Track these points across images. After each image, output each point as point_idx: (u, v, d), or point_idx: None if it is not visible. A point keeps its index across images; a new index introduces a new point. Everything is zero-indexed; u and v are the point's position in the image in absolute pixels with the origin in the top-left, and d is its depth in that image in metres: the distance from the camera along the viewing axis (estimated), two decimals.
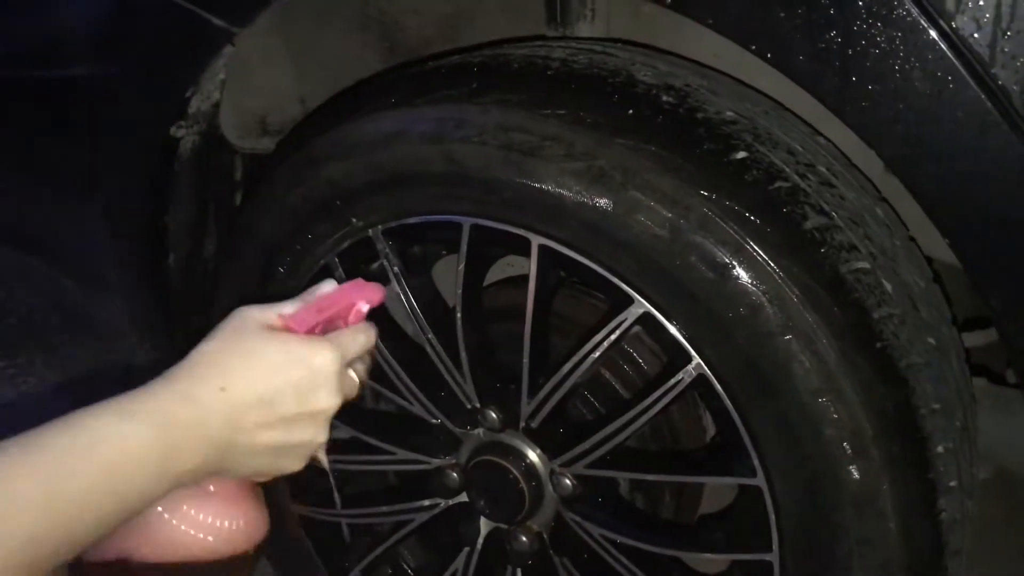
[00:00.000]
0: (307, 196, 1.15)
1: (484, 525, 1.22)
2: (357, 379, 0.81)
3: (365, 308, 0.83)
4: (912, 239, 1.07)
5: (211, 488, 0.83)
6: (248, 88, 1.35)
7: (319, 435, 0.78)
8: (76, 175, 1.42)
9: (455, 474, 1.21)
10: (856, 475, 0.92)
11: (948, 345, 1.01)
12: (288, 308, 0.79)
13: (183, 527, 0.81)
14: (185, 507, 0.82)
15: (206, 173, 1.37)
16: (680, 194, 0.92)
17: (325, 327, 0.81)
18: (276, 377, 0.74)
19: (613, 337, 1.02)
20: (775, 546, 0.99)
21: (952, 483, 0.95)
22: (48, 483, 0.61)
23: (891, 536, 0.93)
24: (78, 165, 1.40)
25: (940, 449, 0.94)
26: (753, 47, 0.85)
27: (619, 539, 1.10)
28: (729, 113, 0.99)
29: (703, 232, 0.91)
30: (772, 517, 0.98)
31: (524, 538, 1.18)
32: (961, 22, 0.75)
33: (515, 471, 1.14)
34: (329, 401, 0.76)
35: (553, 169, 0.97)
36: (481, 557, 1.22)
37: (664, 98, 0.98)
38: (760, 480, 0.97)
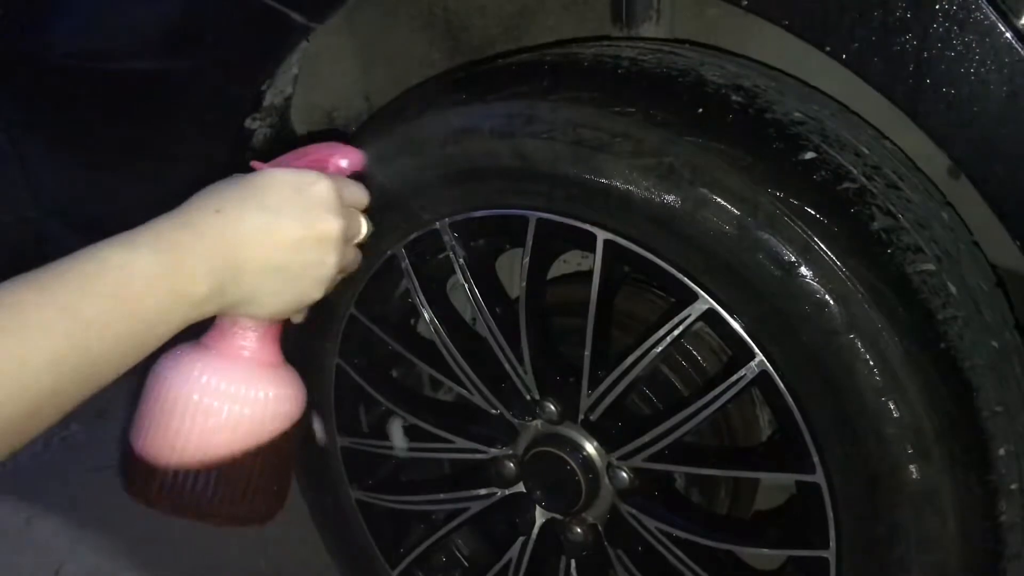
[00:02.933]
0: (378, 189, 1.18)
1: (539, 515, 1.24)
2: (364, 221, 0.84)
3: (344, 163, 0.88)
4: (976, 244, 1.07)
5: (239, 353, 0.83)
6: (316, 83, 1.38)
7: (328, 257, 0.80)
8: (152, 164, 1.46)
9: (512, 464, 1.23)
10: (916, 475, 0.93)
11: (1011, 349, 1.01)
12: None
13: (214, 403, 0.80)
14: (210, 381, 0.81)
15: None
16: (748, 192, 0.94)
17: None
18: (271, 197, 0.76)
19: (676, 333, 1.04)
20: (832, 543, 1.00)
21: (1013, 486, 0.96)
22: (66, 308, 0.63)
23: (950, 537, 0.94)
24: (154, 154, 1.44)
25: (1002, 452, 0.94)
26: (828, 48, 0.87)
27: (674, 532, 1.11)
28: (797, 114, 1.00)
29: (771, 230, 0.93)
30: (830, 514, 0.99)
31: (579, 529, 1.20)
32: None
33: (572, 463, 1.16)
34: (331, 223, 0.79)
35: (622, 165, 0.99)
36: (535, 547, 1.24)
37: (733, 97, 0.99)
38: (819, 477, 0.98)
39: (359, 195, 0.87)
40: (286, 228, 0.76)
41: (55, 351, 0.62)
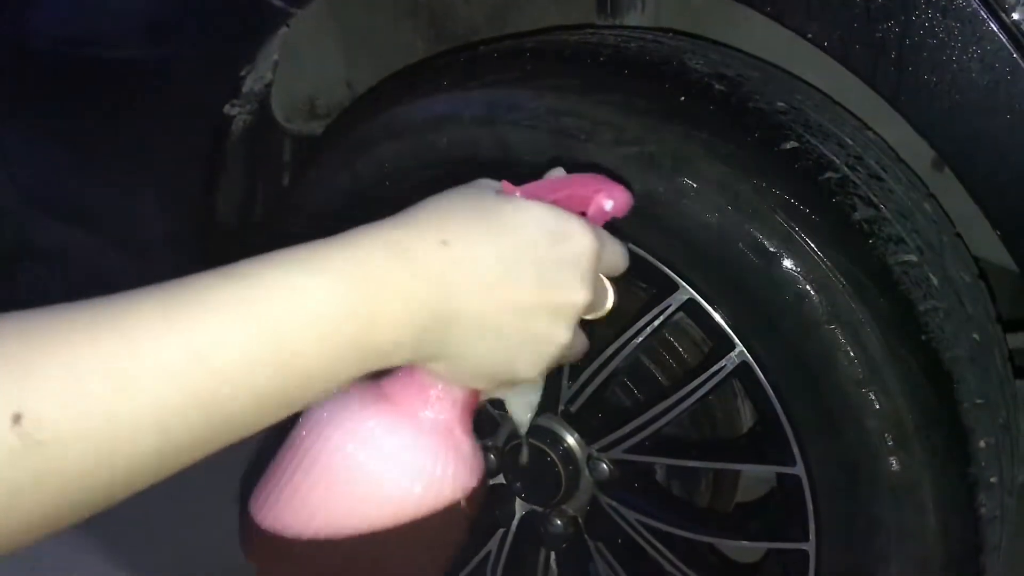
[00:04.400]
0: (355, 177, 1.17)
1: (519, 507, 1.23)
2: (612, 292, 0.64)
3: (608, 206, 0.64)
4: (959, 235, 1.07)
5: (425, 415, 0.62)
6: (298, 70, 1.37)
7: (561, 333, 0.59)
8: (132, 151, 1.45)
9: (492, 456, 1.22)
10: (896, 467, 0.92)
11: (992, 342, 1.01)
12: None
13: (383, 468, 0.59)
14: (383, 438, 0.60)
15: (256, 153, 1.39)
16: (730, 181, 0.93)
17: None
18: (517, 239, 0.57)
19: (656, 323, 1.03)
20: (812, 536, 0.99)
21: (993, 479, 0.95)
22: (196, 352, 0.46)
23: (930, 530, 0.93)
24: (131, 140, 1.43)
25: (982, 444, 0.94)
26: (810, 35, 0.86)
27: (654, 524, 1.11)
28: (780, 103, 0.99)
29: (752, 220, 0.92)
30: (810, 507, 0.98)
31: (559, 521, 1.20)
32: (1021, 14, 0.76)
33: (553, 455, 1.15)
34: (578, 293, 0.58)
35: (603, 154, 0.98)
36: (515, 539, 1.24)
37: (716, 86, 0.98)
38: (799, 469, 0.98)
39: (619, 258, 0.65)
40: (524, 285, 0.57)
41: (167, 406, 0.45)
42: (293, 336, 0.49)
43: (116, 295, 0.47)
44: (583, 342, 0.65)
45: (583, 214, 0.62)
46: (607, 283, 0.63)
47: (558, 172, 0.68)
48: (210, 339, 0.47)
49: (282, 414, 0.51)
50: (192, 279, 0.49)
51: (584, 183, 0.65)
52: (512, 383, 0.63)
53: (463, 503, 0.62)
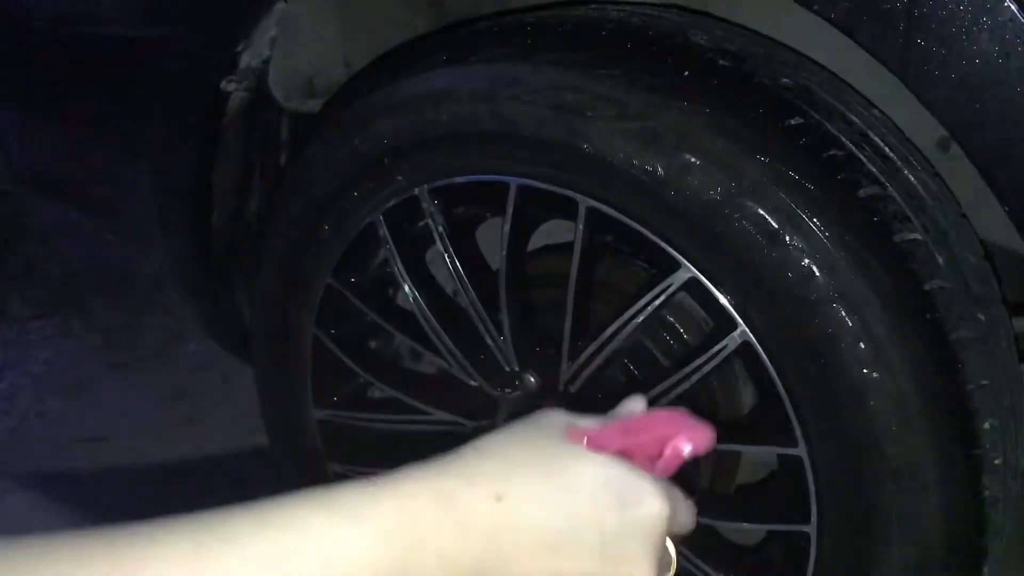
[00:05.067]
0: (355, 152, 1.15)
1: None
2: (673, 559, 0.58)
3: (687, 451, 0.60)
4: (964, 216, 1.05)
5: None
6: (296, 48, 1.35)
7: None
8: (124, 128, 1.43)
9: None
10: (900, 448, 0.91)
11: (998, 323, 1.00)
12: (587, 422, 0.61)
13: None
14: None
15: (253, 131, 1.38)
16: (733, 158, 0.91)
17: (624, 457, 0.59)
18: (579, 500, 0.52)
19: (658, 302, 1.02)
20: (813, 518, 0.98)
21: (997, 461, 0.94)
22: None
23: (932, 512, 0.92)
24: (127, 118, 1.41)
25: (987, 426, 0.93)
26: (815, 7, 0.84)
27: None
28: (785, 80, 0.98)
29: (755, 197, 0.91)
30: (812, 488, 0.97)
31: None
32: None
33: None
34: (642, 568, 0.53)
35: (605, 130, 0.96)
36: None
37: (720, 62, 0.97)
38: (801, 450, 0.96)
39: (688, 520, 0.59)
40: (583, 554, 0.51)
41: None
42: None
43: (146, 525, 0.46)
44: (670, 565, 0.59)
45: (660, 454, 0.58)
46: (671, 548, 0.57)
47: (635, 404, 0.64)
48: None
49: None
50: (227, 519, 0.47)
51: (661, 425, 0.61)
52: None
53: None
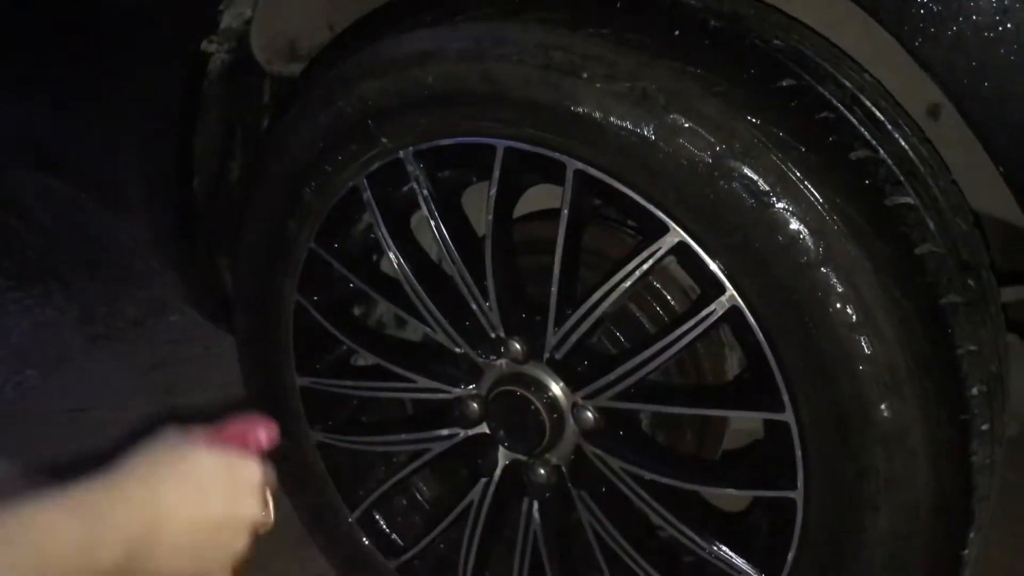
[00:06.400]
0: (339, 115, 1.13)
1: (502, 457, 1.21)
2: (271, 508, 0.83)
3: (263, 438, 0.85)
4: (954, 182, 1.04)
5: None
6: (278, 8, 1.32)
7: (240, 541, 0.79)
8: (103, 91, 1.40)
9: (475, 404, 1.20)
10: (888, 413, 0.91)
11: (987, 289, 0.99)
12: (194, 432, 0.82)
13: None
14: None
15: (234, 94, 1.35)
16: (725, 119, 0.90)
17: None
18: (202, 476, 0.76)
19: (646, 267, 1.01)
20: (800, 484, 0.97)
21: (984, 427, 0.94)
22: None
23: (920, 477, 0.92)
24: (105, 81, 1.38)
25: (975, 391, 0.92)
26: None
27: (639, 473, 1.09)
28: (777, 41, 0.96)
29: (746, 158, 0.90)
30: (798, 454, 0.96)
31: (542, 471, 1.18)
32: None
33: (537, 402, 1.13)
34: (253, 508, 0.78)
35: (594, 90, 0.95)
36: (498, 489, 1.22)
37: (711, 22, 0.95)
38: (788, 416, 0.96)
39: (271, 478, 0.85)
40: (211, 510, 0.76)
41: None
42: (49, 556, 0.67)
43: None
44: (268, 513, 0.83)
45: (245, 444, 0.82)
46: (269, 500, 0.82)
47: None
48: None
49: None
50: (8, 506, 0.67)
51: (239, 427, 0.84)
52: None
53: None
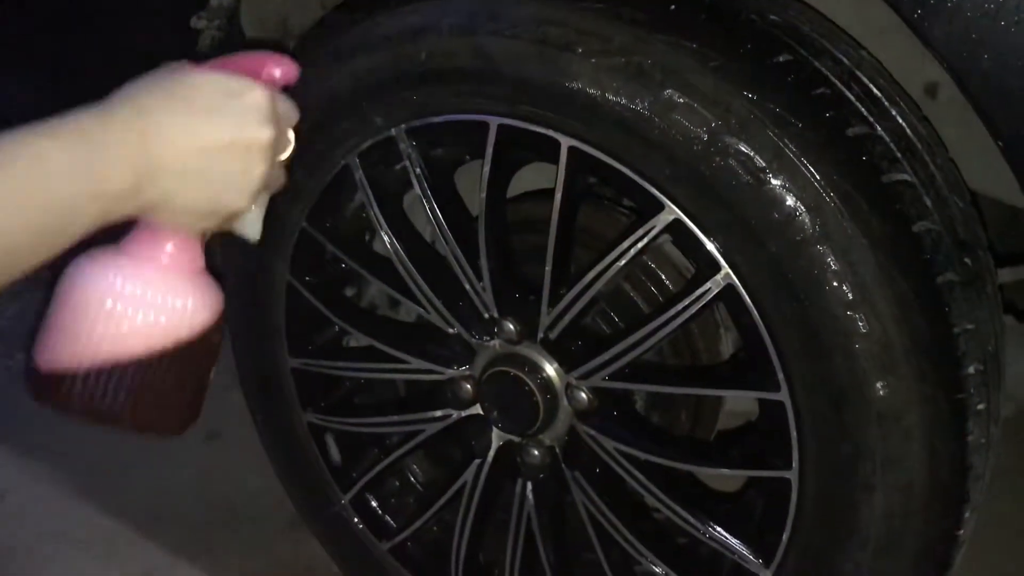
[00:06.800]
0: (330, 92, 1.12)
1: (496, 438, 1.20)
2: (291, 135, 0.81)
3: (277, 73, 0.81)
4: (952, 160, 1.04)
5: (157, 260, 0.79)
6: None
7: (255, 167, 0.75)
8: (92, 68, 1.39)
9: (468, 385, 1.19)
10: (884, 392, 0.90)
11: (984, 268, 0.99)
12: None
13: (127, 308, 0.76)
14: (125, 286, 0.77)
15: None
16: (721, 94, 0.89)
17: None
18: (201, 99, 0.72)
19: (640, 245, 1.00)
20: (795, 463, 0.97)
21: (981, 406, 0.93)
22: None
23: (916, 456, 0.91)
24: (94, 56, 1.37)
25: (971, 370, 0.92)
26: None
27: (633, 453, 1.08)
28: (773, 16, 0.95)
29: (743, 134, 0.88)
30: (794, 433, 0.96)
31: (536, 452, 1.17)
32: None
33: (530, 383, 1.12)
34: (263, 132, 0.74)
35: (588, 66, 0.94)
36: (491, 470, 1.21)
37: None
38: (784, 395, 0.95)
39: (291, 110, 0.81)
40: (214, 132, 0.72)
41: None
42: (44, 182, 0.62)
43: None
44: (281, 174, 0.82)
45: (257, 79, 0.77)
46: (290, 132, 0.80)
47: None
48: None
49: (53, 246, 0.64)
50: None
51: (253, 59, 0.81)
52: (227, 217, 0.78)
53: (205, 327, 0.79)
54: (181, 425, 0.85)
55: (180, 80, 0.73)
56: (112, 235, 0.75)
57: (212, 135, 0.72)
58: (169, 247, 0.79)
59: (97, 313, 0.76)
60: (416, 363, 1.21)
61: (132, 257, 0.78)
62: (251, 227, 0.84)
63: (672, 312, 0.99)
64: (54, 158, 0.63)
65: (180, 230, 0.79)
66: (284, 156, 0.81)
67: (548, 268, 1.06)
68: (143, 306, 0.77)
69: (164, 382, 0.79)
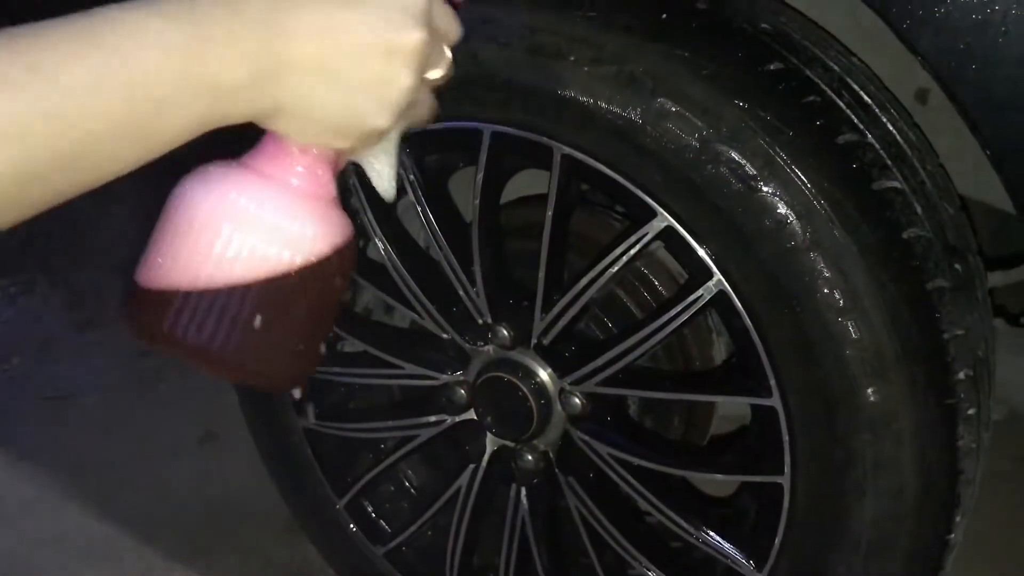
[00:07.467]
0: None
1: (490, 443, 1.21)
2: (448, 53, 0.67)
3: None
4: (942, 166, 1.04)
5: (285, 180, 0.66)
6: None
7: (402, 76, 0.61)
8: None
9: (463, 391, 1.20)
10: (875, 398, 0.91)
11: (973, 273, 0.99)
12: None
13: (246, 232, 0.64)
14: (247, 206, 0.64)
15: None
16: (712, 103, 0.90)
17: None
18: None
19: (633, 252, 1.00)
20: (787, 468, 0.98)
21: (971, 411, 0.94)
22: (39, 67, 0.49)
23: (907, 461, 0.92)
24: None
25: (961, 376, 0.92)
26: None
27: (626, 458, 1.09)
28: (765, 24, 0.96)
29: (734, 142, 0.89)
30: (786, 439, 0.97)
31: (530, 457, 1.17)
32: None
33: (524, 388, 1.13)
34: (413, 34, 0.61)
35: (581, 74, 0.94)
36: (486, 475, 1.22)
37: (699, 5, 0.95)
38: (775, 401, 0.96)
39: (451, 23, 0.67)
40: (355, 28, 0.59)
41: (17, 120, 0.48)
42: (135, 60, 0.52)
43: None
44: (431, 102, 0.69)
45: None
46: (445, 48, 0.67)
47: None
48: (55, 59, 0.49)
49: (142, 146, 0.54)
50: (43, 23, 0.50)
51: None
52: (365, 135, 0.64)
53: (333, 259, 0.67)
54: (291, 377, 0.74)
55: None
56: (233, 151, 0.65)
57: (353, 31, 0.60)
58: (299, 166, 0.67)
59: (213, 235, 0.64)
60: (410, 368, 1.22)
61: (256, 173, 0.67)
62: (384, 176, 0.72)
63: (665, 318, 1.00)
64: (153, 34, 0.52)
65: (311, 146, 0.66)
66: (436, 76, 0.67)
67: (541, 274, 1.07)
68: (267, 231, 0.65)
69: (280, 322, 0.68)
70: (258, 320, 0.66)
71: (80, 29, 0.50)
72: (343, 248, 0.68)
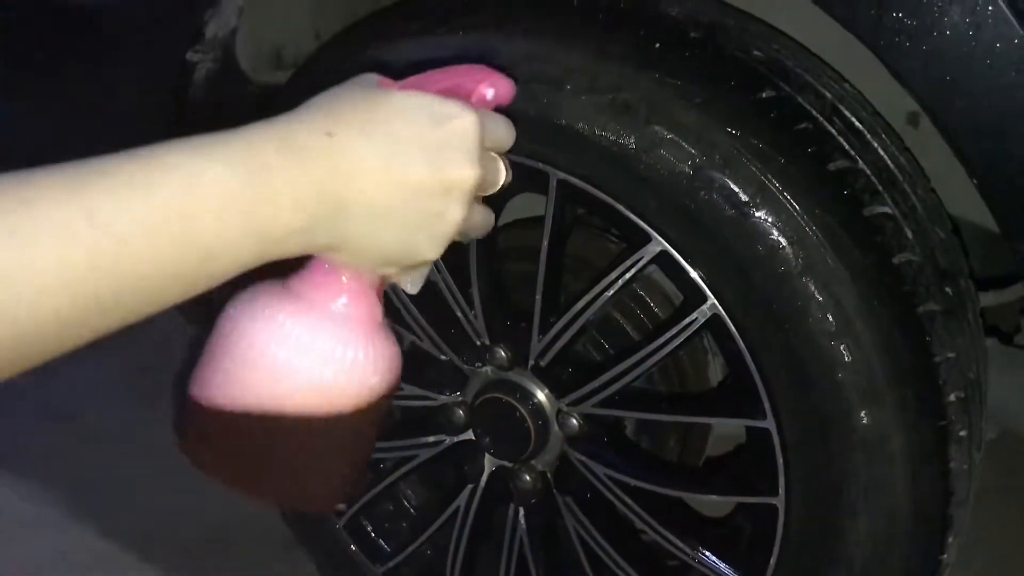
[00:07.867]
0: None
1: (488, 463, 1.22)
2: (504, 167, 0.67)
3: (489, 94, 0.68)
4: (933, 190, 1.06)
5: (332, 306, 0.66)
6: (264, 17, 1.33)
7: (454, 210, 0.62)
8: (87, 99, 1.40)
9: (461, 411, 1.21)
10: (867, 420, 0.92)
11: (965, 296, 1.01)
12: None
13: (293, 357, 0.64)
14: (293, 329, 0.64)
15: (220, 102, 1.35)
16: (705, 130, 0.91)
17: None
18: (400, 126, 0.60)
19: (628, 276, 1.02)
20: (781, 490, 0.99)
21: (962, 433, 0.95)
22: (94, 215, 0.48)
23: (899, 483, 0.93)
24: (90, 88, 1.38)
25: (952, 398, 0.94)
26: None
27: (623, 479, 1.10)
28: (757, 52, 0.97)
29: (726, 169, 0.90)
30: (780, 460, 0.98)
31: (528, 477, 1.19)
32: None
33: (522, 409, 1.14)
34: (467, 170, 0.61)
35: (576, 102, 0.96)
36: (484, 495, 1.23)
37: (692, 33, 0.96)
38: (769, 422, 0.97)
39: (505, 135, 0.68)
40: (411, 167, 0.60)
41: (68, 267, 0.47)
42: (189, 212, 0.51)
43: (16, 172, 0.48)
44: (485, 217, 0.70)
45: (467, 99, 0.66)
46: (499, 160, 0.67)
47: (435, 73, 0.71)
48: (111, 207, 0.49)
49: (186, 290, 0.54)
50: (96, 159, 0.50)
51: (465, 73, 0.69)
52: (416, 265, 0.66)
53: (378, 385, 0.66)
54: (331, 499, 0.74)
55: (377, 102, 0.61)
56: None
57: (410, 171, 0.60)
58: (346, 294, 0.66)
59: (258, 361, 0.65)
60: (409, 389, 1.23)
61: (303, 300, 0.66)
62: (416, 284, 0.70)
63: (660, 341, 1.01)
64: (210, 183, 0.52)
65: (358, 274, 0.66)
66: (495, 190, 0.68)
67: (538, 296, 1.08)
68: (313, 357, 0.64)
69: (325, 447, 0.67)
70: (301, 446, 0.66)
71: (136, 171, 0.50)
72: (390, 373, 0.68)
